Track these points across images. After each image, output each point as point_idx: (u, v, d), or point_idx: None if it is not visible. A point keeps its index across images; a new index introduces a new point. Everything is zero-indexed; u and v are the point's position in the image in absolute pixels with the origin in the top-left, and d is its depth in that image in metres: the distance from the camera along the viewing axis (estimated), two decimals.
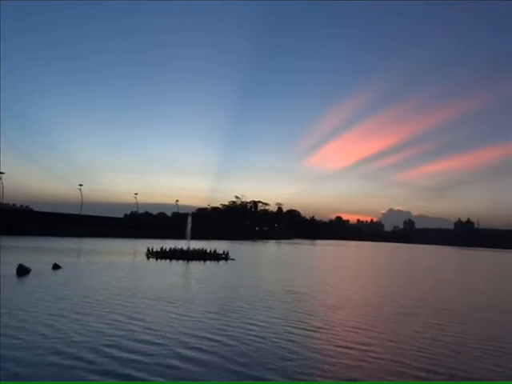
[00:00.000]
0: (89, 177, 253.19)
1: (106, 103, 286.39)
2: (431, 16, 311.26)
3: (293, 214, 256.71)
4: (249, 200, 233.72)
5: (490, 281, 50.40)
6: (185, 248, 54.05)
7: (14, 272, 29.04)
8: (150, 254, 52.81)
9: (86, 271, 33.66)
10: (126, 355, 12.38)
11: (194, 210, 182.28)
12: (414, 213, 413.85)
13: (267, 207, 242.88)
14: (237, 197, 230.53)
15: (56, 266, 34.00)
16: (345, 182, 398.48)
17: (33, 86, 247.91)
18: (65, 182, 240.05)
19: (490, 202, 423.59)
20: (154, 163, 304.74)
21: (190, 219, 63.08)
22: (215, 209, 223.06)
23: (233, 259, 53.70)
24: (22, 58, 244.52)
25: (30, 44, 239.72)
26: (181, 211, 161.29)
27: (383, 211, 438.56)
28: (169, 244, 56.48)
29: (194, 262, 48.42)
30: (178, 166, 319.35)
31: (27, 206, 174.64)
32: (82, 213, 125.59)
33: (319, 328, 17.44)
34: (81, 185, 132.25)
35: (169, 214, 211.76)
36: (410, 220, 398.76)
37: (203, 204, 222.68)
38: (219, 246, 66.93)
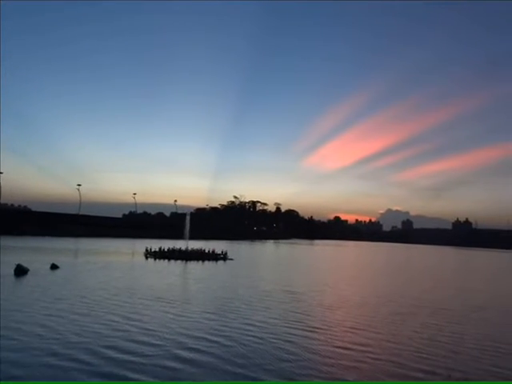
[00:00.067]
0: (87, 177, 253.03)
1: (104, 103, 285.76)
2: (430, 16, 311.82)
3: (291, 214, 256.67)
4: (247, 200, 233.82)
5: (488, 281, 50.47)
6: (183, 248, 54.00)
7: (12, 272, 28.97)
8: (149, 254, 52.80)
9: (84, 271, 33.60)
10: (123, 356, 12.34)
11: (192, 210, 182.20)
12: (413, 213, 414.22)
13: (266, 207, 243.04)
14: (235, 197, 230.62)
15: (54, 266, 33.95)
16: (343, 182, 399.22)
17: (31, 85, 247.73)
18: (63, 181, 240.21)
19: (488, 202, 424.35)
20: (153, 163, 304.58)
21: (188, 219, 63.08)
22: (214, 209, 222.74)
23: (231, 259, 53.68)
24: (20, 57, 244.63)
25: (28, 44, 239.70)
26: (179, 211, 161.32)
27: (381, 211, 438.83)
28: (167, 244, 56.43)
29: (192, 262, 48.38)
30: (177, 165, 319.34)
31: (25, 206, 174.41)
32: (81, 213, 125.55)
33: (317, 328, 17.43)
34: (79, 185, 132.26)
35: (167, 214, 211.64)
36: (408, 220, 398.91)
37: (202, 204, 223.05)
38: (218, 246, 66.88)
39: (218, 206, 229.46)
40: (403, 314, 21.78)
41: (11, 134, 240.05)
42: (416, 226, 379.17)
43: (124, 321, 16.80)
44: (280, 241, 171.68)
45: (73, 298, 21.28)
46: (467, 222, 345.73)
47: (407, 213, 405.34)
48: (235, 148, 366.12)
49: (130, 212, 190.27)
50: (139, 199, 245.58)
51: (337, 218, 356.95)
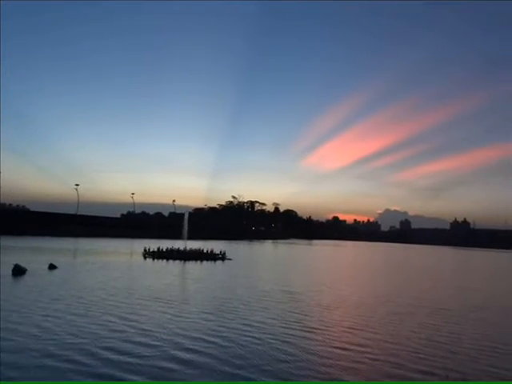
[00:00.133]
0: (86, 176, 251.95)
1: (103, 103, 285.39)
2: (428, 17, 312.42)
3: (290, 214, 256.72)
4: (246, 200, 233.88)
5: (486, 280, 50.54)
6: (182, 248, 53.98)
7: (10, 272, 28.89)
8: (147, 253, 52.75)
9: (82, 271, 33.54)
10: (119, 357, 12.28)
11: (190, 210, 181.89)
12: (411, 213, 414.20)
13: (264, 207, 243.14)
14: (234, 197, 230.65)
15: (52, 266, 33.87)
16: (342, 182, 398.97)
17: (29, 85, 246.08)
18: (62, 181, 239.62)
19: (486, 203, 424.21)
20: (151, 163, 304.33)
21: (186, 219, 63.07)
22: (212, 209, 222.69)
23: (230, 259, 53.67)
24: (18, 57, 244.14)
25: (27, 44, 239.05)
26: (178, 211, 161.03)
27: (380, 211, 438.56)
28: (166, 244, 56.39)
29: (190, 262, 48.33)
30: (175, 165, 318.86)
31: (24, 206, 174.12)
32: (79, 213, 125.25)
33: (315, 329, 17.42)
34: (77, 184, 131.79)
35: (166, 214, 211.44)
36: (406, 220, 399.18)
37: (200, 204, 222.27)
38: (216, 245, 66.87)
39: (217, 206, 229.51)
40: (401, 314, 21.79)
41: (10, 133, 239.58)
42: (414, 226, 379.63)
43: (121, 321, 16.75)
44: (278, 241, 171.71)
45: (70, 298, 21.22)
46: (465, 222, 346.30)
47: (405, 213, 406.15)
48: (234, 148, 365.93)
49: (129, 212, 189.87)
50: (137, 199, 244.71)
51: (335, 218, 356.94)
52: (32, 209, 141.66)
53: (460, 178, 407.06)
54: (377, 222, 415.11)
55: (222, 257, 54.44)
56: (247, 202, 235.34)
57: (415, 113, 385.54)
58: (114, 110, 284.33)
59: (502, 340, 17.23)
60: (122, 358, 12.27)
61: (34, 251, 50.18)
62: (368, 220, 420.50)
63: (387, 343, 15.65)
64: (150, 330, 15.52)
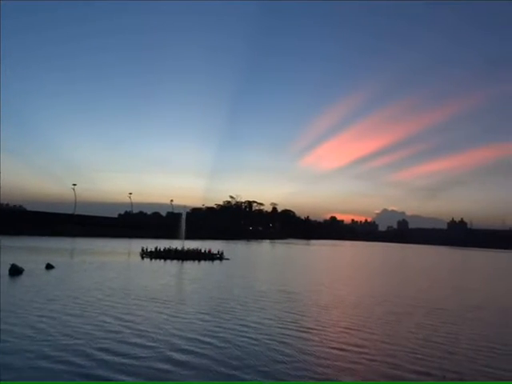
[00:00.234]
0: (84, 176, 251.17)
1: (101, 103, 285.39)
2: (425, 17, 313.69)
3: (287, 214, 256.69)
4: (243, 200, 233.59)
5: (483, 280, 50.62)
6: (179, 248, 53.87)
7: (7, 272, 28.75)
8: (145, 253, 52.58)
9: (80, 271, 33.41)
10: (114, 359, 12.19)
11: (188, 210, 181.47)
12: (408, 213, 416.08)
13: (262, 207, 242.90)
14: (231, 197, 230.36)
15: (49, 266, 33.75)
16: (339, 182, 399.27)
17: (27, 85, 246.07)
18: (59, 181, 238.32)
19: (483, 203, 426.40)
20: (149, 163, 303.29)
21: (183, 218, 62.97)
22: (210, 209, 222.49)
23: (227, 259, 53.61)
24: (18, 56, 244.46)
25: (26, 43, 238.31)
26: (175, 211, 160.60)
27: (377, 211, 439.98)
28: (163, 244, 56.23)
29: (188, 261, 48.25)
30: (173, 165, 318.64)
31: (20, 206, 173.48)
32: (76, 212, 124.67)
33: (312, 329, 17.37)
34: (74, 184, 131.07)
35: (163, 213, 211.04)
36: (403, 220, 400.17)
37: (198, 204, 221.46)
38: (214, 245, 66.78)
39: (214, 206, 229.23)
40: (399, 314, 21.77)
41: (7, 133, 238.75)
42: (411, 225, 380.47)
43: (117, 322, 16.65)
44: (276, 241, 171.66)
45: (66, 298, 21.11)
46: (462, 222, 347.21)
47: (403, 213, 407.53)
48: (231, 148, 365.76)
49: (126, 212, 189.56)
50: (135, 199, 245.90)
51: (333, 218, 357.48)
52: (29, 208, 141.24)
53: (457, 177, 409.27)
54: (374, 222, 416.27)
55: (219, 257, 54.36)
56: (245, 202, 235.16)
57: (412, 113, 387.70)
58: (112, 110, 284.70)
59: (499, 340, 17.21)
60: (116, 359, 12.17)
61: (31, 251, 49.98)
62: (365, 220, 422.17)
63: (384, 343, 15.61)
64: (146, 331, 15.43)
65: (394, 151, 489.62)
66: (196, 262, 48.88)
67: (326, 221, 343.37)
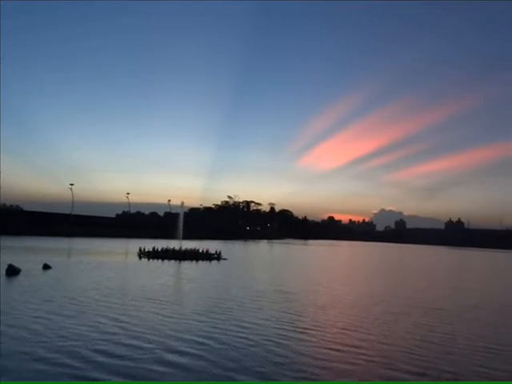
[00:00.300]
0: (82, 176, 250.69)
1: (100, 103, 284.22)
2: (424, 17, 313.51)
3: (285, 214, 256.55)
4: (241, 200, 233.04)
5: (481, 280, 50.73)
6: (177, 248, 53.80)
7: (4, 272, 28.65)
8: (142, 253, 52.54)
9: (77, 271, 33.32)
10: (110, 360, 12.11)
11: (186, 210, 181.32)
12: (406, 213, 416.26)
13: (260, 207, 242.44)
14: (229, 197, 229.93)
15: (46, 266, 33.65)
16: (337, 182, 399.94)
17: (27, 85, 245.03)
18: (57, 181, 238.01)
19: (481, 203, 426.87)
20: (147, 163, 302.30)
21: (181, 218, 62.92)
22: (208, 209, 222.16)
23: (225, 259, 53.58)
24: (18, 56, 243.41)
25: (26, 43, 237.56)
26: (173, 211, 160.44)
27: (375, 211, 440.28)
28: (161, 244, 56.13)
29: (186, 261, 48.21)
30: (171, 165, 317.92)
31: (17, 206, 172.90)
32: (74, 212, 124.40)
33: (309, 329, 17.35)
34: (72, 184, 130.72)
35: (161, 213, 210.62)
36: (401, 220, 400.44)
37: (196, 204, 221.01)
38: (211, 245, 66.71)
39: (212, 206, 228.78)
40: (396, 314, 21.79)
41: (6, 133, 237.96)
42: (409, 226, 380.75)
43: (113, 323, 16.57)
44: (274, 241, 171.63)
45: (63, 299, 21.02)
46: (459, 222, 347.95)
47: (401, 213, 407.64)
48: (229, 148, 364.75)
49: (124, 212, 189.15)
50: (133, 199, 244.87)
51: (330, 218, 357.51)
52: (26, 208, 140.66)
53: (455, 178, 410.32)
54: (372, 222, 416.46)
55: (217, 257, 54.32)
56: (243, 202, 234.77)
57: (411, 113, 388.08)
58: (111, 110, 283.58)
59: (496, 340, 17.24)
60: (111, 360, 12.09)
61: (29, 251, 49.84)
62: (363, 220, 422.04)
63: (381, 344, 15.61)
64: (142, 332, 15.36)
65: (392, 151, 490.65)
66: (194, 262, 48.83)
67: (323, 221, 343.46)
